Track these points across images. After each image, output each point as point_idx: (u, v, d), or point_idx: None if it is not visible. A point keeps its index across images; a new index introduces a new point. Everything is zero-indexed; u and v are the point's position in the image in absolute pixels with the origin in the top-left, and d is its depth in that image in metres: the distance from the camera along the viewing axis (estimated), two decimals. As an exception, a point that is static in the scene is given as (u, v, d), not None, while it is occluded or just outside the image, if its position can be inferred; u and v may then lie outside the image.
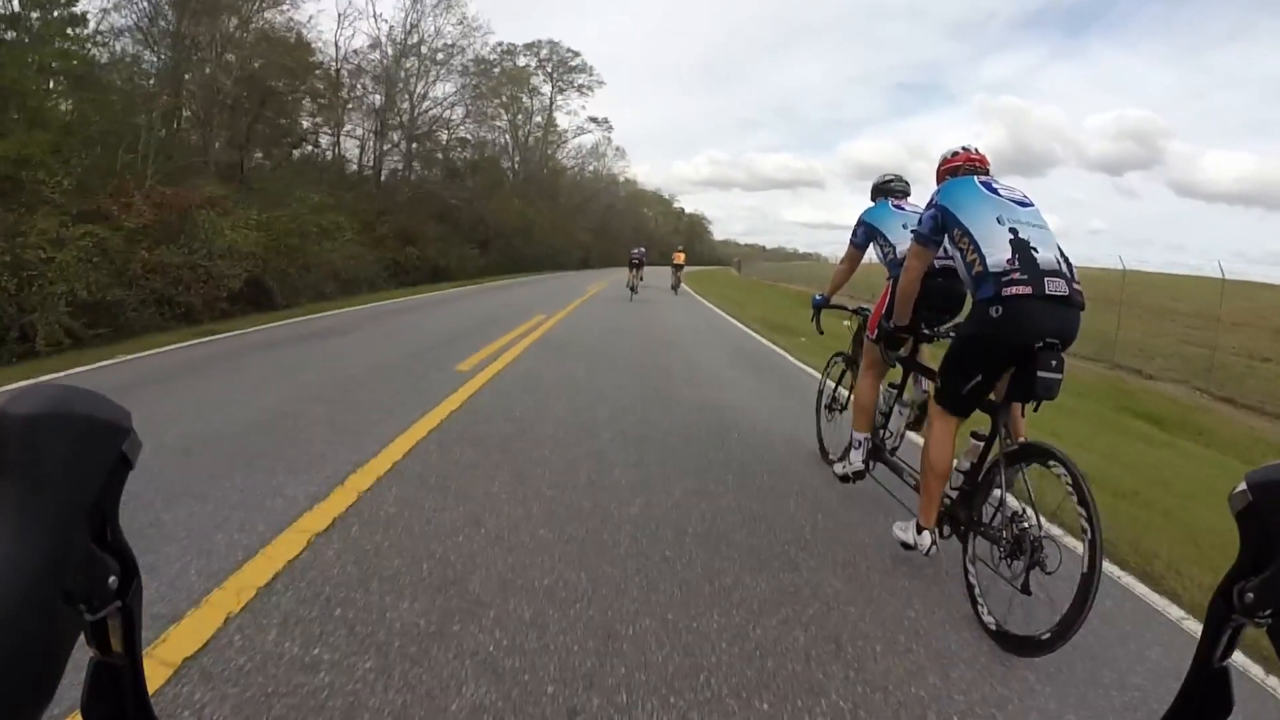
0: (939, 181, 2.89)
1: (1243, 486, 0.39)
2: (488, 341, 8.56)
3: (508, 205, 36.96)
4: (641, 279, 18.50)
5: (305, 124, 26.65)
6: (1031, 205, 2.58)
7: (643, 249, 19.64)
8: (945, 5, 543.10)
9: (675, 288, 22.35)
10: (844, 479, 3.60)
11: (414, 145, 32.15)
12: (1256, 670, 2.42)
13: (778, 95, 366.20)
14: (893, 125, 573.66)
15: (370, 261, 18.49)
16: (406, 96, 30.60)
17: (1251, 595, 0.38)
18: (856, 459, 3.49)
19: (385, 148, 29.57)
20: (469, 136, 37.49)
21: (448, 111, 35.31)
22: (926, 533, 2.65)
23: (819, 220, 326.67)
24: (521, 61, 49.64)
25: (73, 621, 0.35)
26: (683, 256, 24.12)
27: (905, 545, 2.74)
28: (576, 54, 52.21)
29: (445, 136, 36.15)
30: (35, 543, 0.33)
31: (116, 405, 0.37)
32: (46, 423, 0.34)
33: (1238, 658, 1.96)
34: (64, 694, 0.33)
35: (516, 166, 49.44)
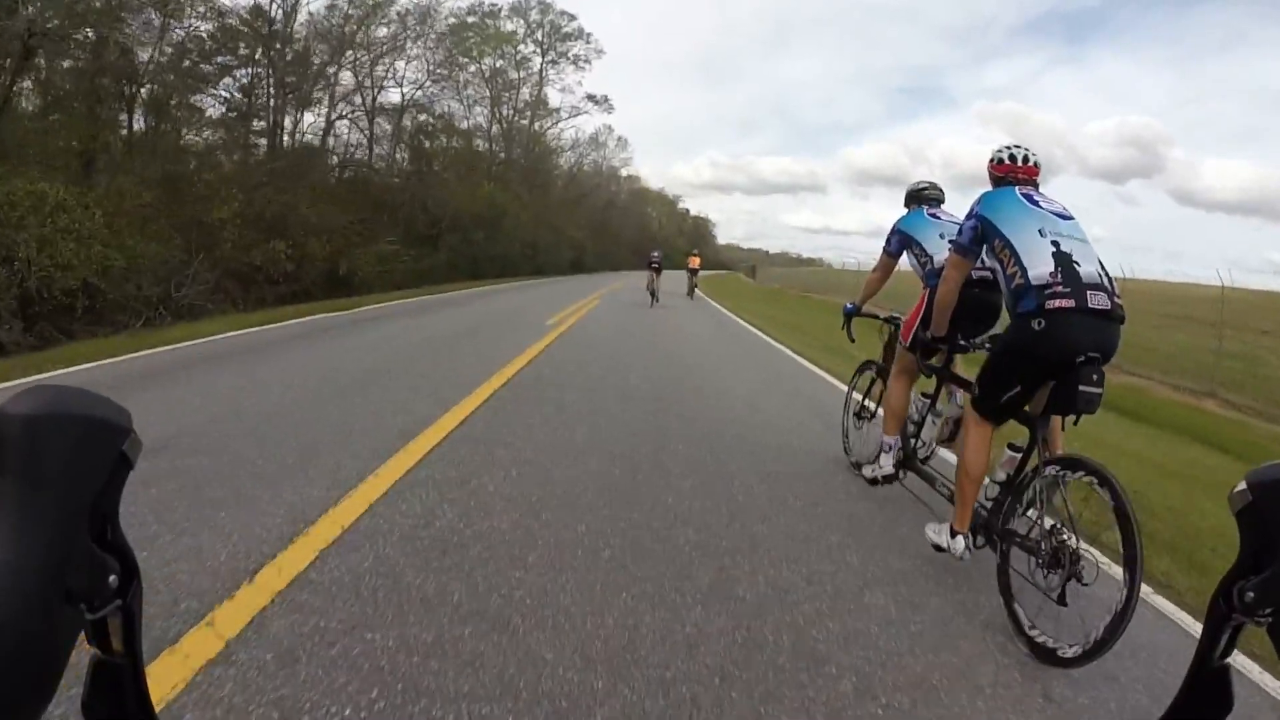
0: (993, 184, 2.78)
1: (1242, 486, 0.38)
2: None
3: (476, 190, 28.66)
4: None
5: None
6: (1072, 219, 2.51)
7: (660, 253, 18.09)
8: (946, 9, 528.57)
9: (691, 293, 21.16)
10: (872, 482, 3.51)
11: (340, 104, 23.91)
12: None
13: (778, 97, 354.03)
14: (893, 129, 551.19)
15: (130, 268, 10.01)
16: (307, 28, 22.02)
17: (1252, 594, 0.38)
18: (887, 463, 3.41)
19: (287, 98, 20.98)
20: (428, 100, 29.21)
21: (397, 62, 27.07)
22: (960, 537, 2.56)
23: (819, 225, 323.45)
24: (508, 27, 41.16)
25: (73, 621, 0.34)
26: (698, 260, 22.59)
27: (937, 547, 2.63)
28: (573, 18, 43.51)
29: (398, 99, 27.90)
30: (35, 542, 0.32)
31: (117, 405, 0.36)
32: (46, 423, 0.33)
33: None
34: (64, 693, 0.33)
35: (497, 148, 41.03)
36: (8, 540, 0.32)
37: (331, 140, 24.83)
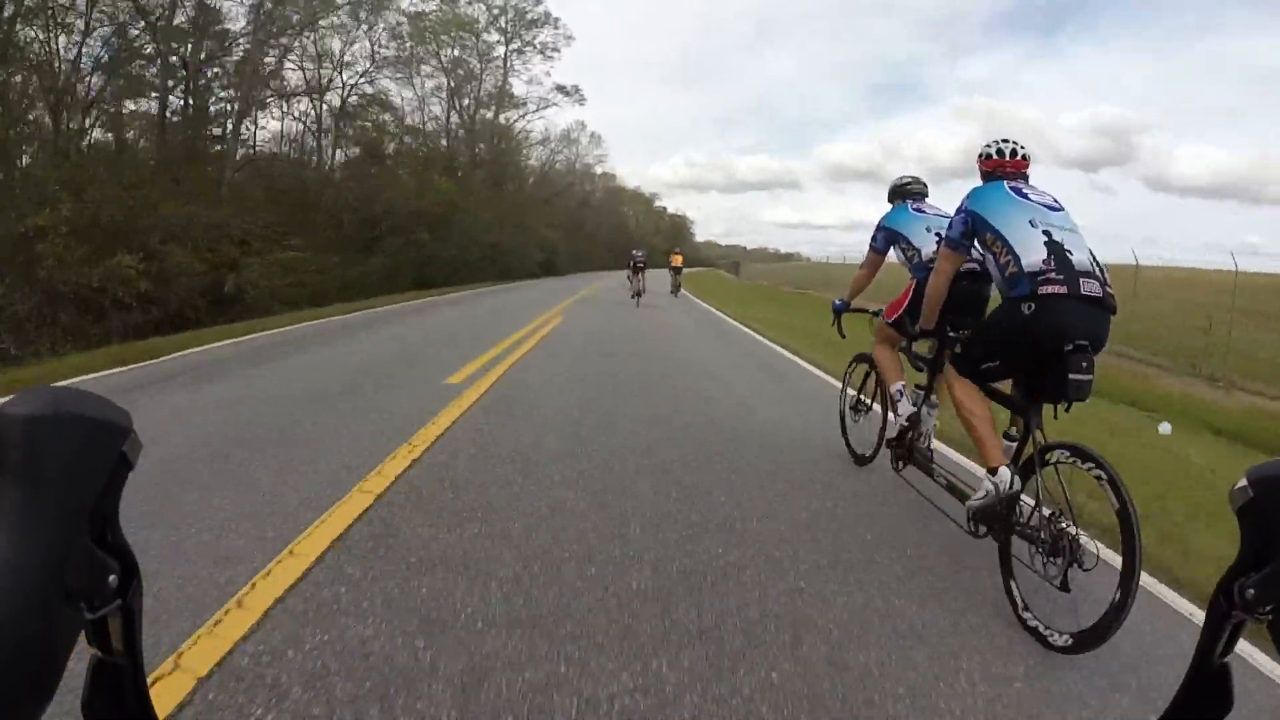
0: (983, 178, 2.84)
1: (1244, 483, 0.38)
2: None
3: (426, 185, 25.12)
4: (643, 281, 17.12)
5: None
6: (1062, 209, 2.57)
7: (643, 252, 18.04)
8: (919, 4, 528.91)
9: (675, 291, 21.25)
10: (900, 435, 3.43)
11: (251, 90, 20.25)
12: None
13: (754, 95, 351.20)
14: (868, 126, 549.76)
15: None
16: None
17: (1253, 591, 0.37)
18: (905, 407, 3.37)
19: (175, 71, 17.23)
20: (370, 80, 25.55)
21: (336, 43, 23.42)
22: (1003, 469, 2.47)
23: (796, 220, 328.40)
24: (470, 14, 37.31)
25: (73, 621, 0.35)
26: (680, 259, 22.68)
27: (985, 508, 2.53)
28: (538, 1, 39.87)
29: (341, 89, 24.22)
30: (35, 543, 0.32)
31: (117, 406, 0.36)
32: (46, 424, 0.33)
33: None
34: (64, 693, 0.33)
35: (457, 141, 37.35)
36: (8, 540, 0.32)
37: (246, 129, 21.18)
